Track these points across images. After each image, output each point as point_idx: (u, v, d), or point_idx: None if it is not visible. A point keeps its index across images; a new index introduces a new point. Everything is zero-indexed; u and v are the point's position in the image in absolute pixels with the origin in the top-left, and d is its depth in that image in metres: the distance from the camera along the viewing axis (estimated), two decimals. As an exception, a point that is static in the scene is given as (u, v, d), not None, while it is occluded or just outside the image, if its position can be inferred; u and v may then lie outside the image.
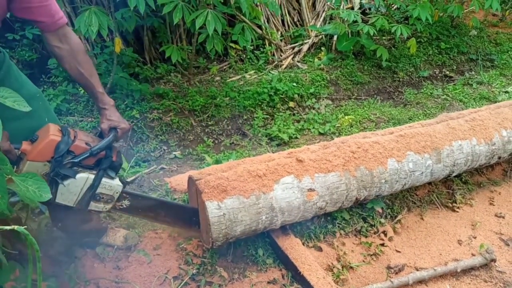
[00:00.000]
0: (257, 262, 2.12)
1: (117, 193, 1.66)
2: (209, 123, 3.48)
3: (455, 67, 4.80)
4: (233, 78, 4.10)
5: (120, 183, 1.66)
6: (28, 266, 1.16)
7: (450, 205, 2.65)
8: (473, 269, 2.21)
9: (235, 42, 3.72)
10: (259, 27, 4.52)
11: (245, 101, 3.63)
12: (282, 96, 3.76)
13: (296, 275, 1.96)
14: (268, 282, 2.01)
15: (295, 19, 4.95)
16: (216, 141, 3.34)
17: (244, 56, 4.47)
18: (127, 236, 2.16)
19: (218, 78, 4.14)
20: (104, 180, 1.58)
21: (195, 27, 3.03)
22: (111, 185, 1.62)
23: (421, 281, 2.11)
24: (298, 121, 3.58)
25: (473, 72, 4.72)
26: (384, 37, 4.84)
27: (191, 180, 2.03)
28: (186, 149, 3.18)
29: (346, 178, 2.11)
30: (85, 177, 1.54)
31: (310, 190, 2.02)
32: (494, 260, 2.21)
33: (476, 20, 4.77)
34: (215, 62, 4.40)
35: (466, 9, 5.23)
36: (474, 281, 2.16)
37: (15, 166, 1.47)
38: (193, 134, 3.37)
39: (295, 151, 2.17)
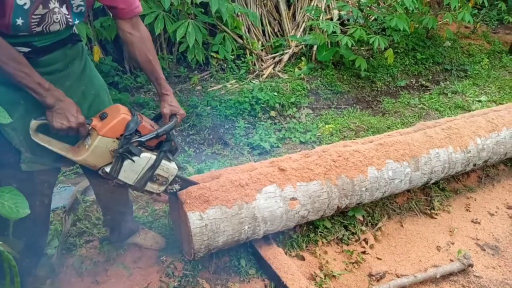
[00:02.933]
0: (239, 272, 2.11)
1: (172, 176, 1.74)
2: (190, 132, 3.45)
3: (430, 77, 4.94)
4: (214, 88, 4.10)
5: (176, 167, 1.73)
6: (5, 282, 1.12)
7: (429, 212, 2.70)
8: (452, 275, 2.25)
9: (217, 52, 3.73)
10: (240, 37, 4.55)
11: (226, 110, 3.63)
12: (263, 106, 3.78)
13: (279, 285, 1.95)
14: (251, 293, 2.00)
15: (276, 29, 5.00)
16: (198, 151, 3.32)
17: (225, 65, 4.48)
18: (157, 238, 2.20)
19: (199, 87, 4.13)
20: (163, 162, 1.66)
21: (176, 37, 3.03)
22: (169, 167, 1.70)
23: (402, 288, 2.13)
24: (280, 130, 3.60)
25: (448, 82, 4.87)
26: (362, 48, 4.95)
27: (172, 191, 2.01)
28: (167, 159, 3.14)
29: (328, 186, 2.13)
30: (148, 157, 1.61)
31: (293, 199, 2.02)
32: (471, 265, 2.26)
33: (449, 32, 4.93)
34: (196, 71, 4.39)
35: (440, 21, 5.42)
36: (453, 287, 2.20)
37: (84, 140, 1.56)
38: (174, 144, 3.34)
39: (277, 160, 2.18)
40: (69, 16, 1.44)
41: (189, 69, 4.36)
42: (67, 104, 1.44)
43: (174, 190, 1.89)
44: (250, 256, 2.18)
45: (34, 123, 1.44)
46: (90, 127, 1.52)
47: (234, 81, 4.28)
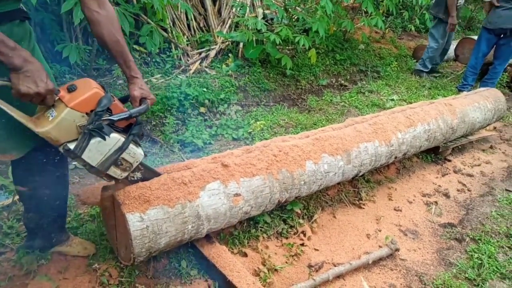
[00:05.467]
0: (180, 275, 2.00)
1: (137, 162, 1.65)
2: (115, 129, 3.20)
3: (348, 77, 5.27)
4: (139, 82, 3.86)
5: (142, 153, 1.65)
6: None
7: (357, 202, 2.86)
8: (381, 260, 2.40)
9: (139, 44, 3.51)
10: (165, 30, 4.36)
11: (153, 105, 3.44)
12: (193, 101, 3.67)
13: (224, 284, 1.89)
14: (195, 295, 1.91)
15: (201, 25, 4.89)
16: (124, 149, 3.09)
17: (149, 59, 4.25)
18: (84, 244, 2.01)
19: (121, 81, 3.85)
20: (131, 145, 1.57)
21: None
22: (135, 152, 1.61)
23: (339, 276, 2.22)
24: (211, 127, 3.52)
25: (364, 82, 5.24)
26: (287, 47, 5.08)
27: (106, 192, 1.83)
28: (90, 158, 2.87)
29: (270, 181, 2.12)
30: (117, 138, 1.51)
31: (236, 195, 1.98)
32: (398, 250, 2.44)
33: (364, 36, 5.31)
34: (117, 64, 4.09)
35: (355, 24, 5.81)
36: (383, 271, 2.35)
37: (45, 111, 1.41)
38: (97, 142, 3.06)
39: (219, 156, 2.12)
40: None
41: (109, 62, 4.05)
42: (36, 67, 1.27)
43: (135, 179, 1.78)
44: (191, 256, 2.09)
45: None
46: (57, 97, 1.39)
47: (159, 75, 4.08)
